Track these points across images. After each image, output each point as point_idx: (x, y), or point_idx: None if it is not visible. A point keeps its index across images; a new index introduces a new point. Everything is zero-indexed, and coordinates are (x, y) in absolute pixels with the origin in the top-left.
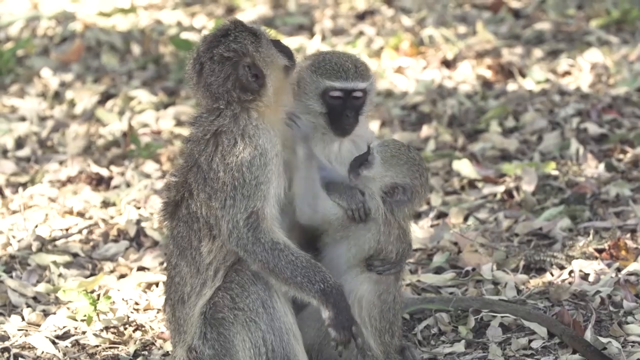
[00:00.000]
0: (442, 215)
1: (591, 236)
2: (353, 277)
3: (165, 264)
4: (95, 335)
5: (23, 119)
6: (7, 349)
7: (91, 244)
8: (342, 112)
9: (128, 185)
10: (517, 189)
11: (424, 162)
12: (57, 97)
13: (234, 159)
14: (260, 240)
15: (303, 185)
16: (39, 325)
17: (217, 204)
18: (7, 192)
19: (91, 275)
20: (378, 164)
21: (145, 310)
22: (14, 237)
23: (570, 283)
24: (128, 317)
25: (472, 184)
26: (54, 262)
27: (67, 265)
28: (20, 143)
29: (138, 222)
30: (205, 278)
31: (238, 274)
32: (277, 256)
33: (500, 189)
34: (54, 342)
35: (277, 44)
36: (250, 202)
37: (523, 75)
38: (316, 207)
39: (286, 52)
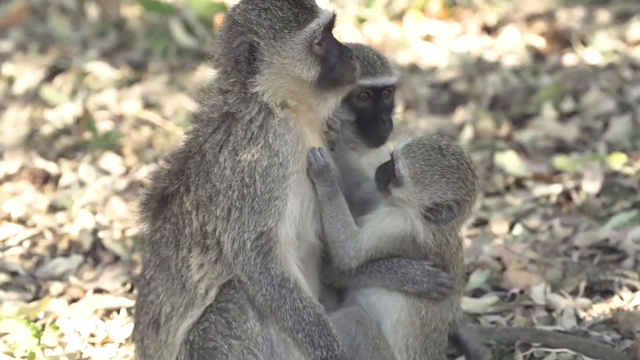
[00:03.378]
0: (481, 222)
1: None
2: (389, 298)
3: (130, 283)
4: None
5: None
6: None
7: (34, 259)
8: (375, 117)
9: (82, 184)
10: (577, 189)
11: (465, 157)
12: None
13: (247, 158)
14: (269, 271)
15: (336, 228)
16: None
17: (219, 211)
18: None
19: (34, 299)
20: (409, 182)
21: (103, 344)
22: None
23: None
24: (81, 354)
25: (519, 182)
26: None
27: (4, 286)
28: None
29: (94, 231)
30: (193, 297)
31: (237, 290)
32: (283, 296)
33: (556, 189)
34: None
35: (340, 52)
36: (261, 219)
37: (584, 44)
38: (359, 250)
39: (338, 69)
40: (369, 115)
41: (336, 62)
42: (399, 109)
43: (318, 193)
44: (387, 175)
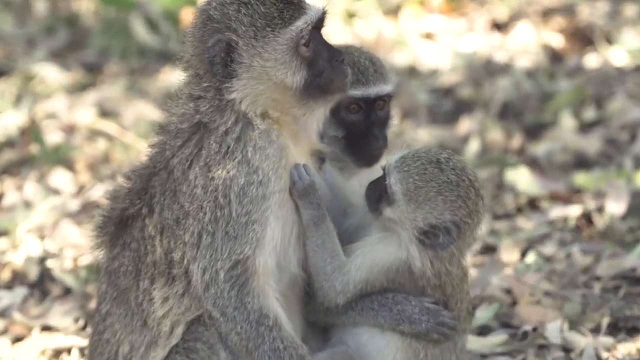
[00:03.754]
0: (488, 249)
1: None
2: (383, 339)
3: (83, 320)
4: None
5: None
6: None
7: None
8: (367, 132)
9: (27, 205)
10: (600, 210)
11: (468, 173)
12: None
13: (222, 174)
14: (245, 306)
15: (322, 258)
16: None
17: (188, 236)
18: None
19: None
20: (401, 200)
21: None
22: None
23: None
24: None
25: (533, 203)
26: None
27: None
28: None
29: (42, 260)
30: (156, 335)
31: (207, 327)
32: (260, 335)
33: (575, 210)
34: None
35: (330, 55)
36: (237, 246)
37: (609, 43)
38: (347, 284)
39: (327, 75)
40: (360, 130)
41: (325, 66)
42: (395, 121)
43: (302, 217)
44: (378, 192)
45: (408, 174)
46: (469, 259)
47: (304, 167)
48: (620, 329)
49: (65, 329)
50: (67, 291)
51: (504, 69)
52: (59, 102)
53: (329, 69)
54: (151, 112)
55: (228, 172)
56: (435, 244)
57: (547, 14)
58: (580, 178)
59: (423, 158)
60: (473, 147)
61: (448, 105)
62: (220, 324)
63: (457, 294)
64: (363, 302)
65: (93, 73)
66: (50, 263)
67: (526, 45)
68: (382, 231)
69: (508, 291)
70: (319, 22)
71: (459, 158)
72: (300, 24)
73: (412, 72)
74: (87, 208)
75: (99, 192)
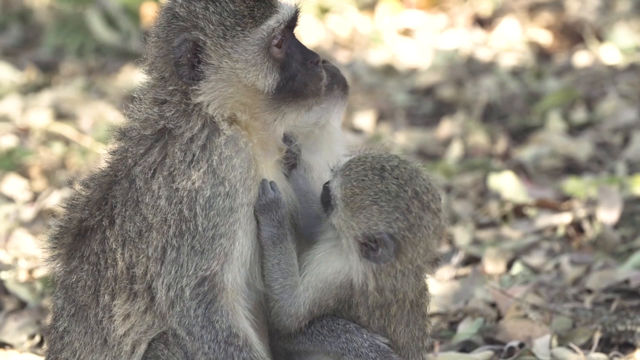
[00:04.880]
0: (471, 260)
1: None
2: None
3: (39, 336)
4: None
5: None
6: None
7: None
8: (302, 62)
9: None
10: (590, 219)
11: (415, 183)
12: None
13: (186, 185)
14: (213, 325)
15: (273, 277)
16: None
17: (152, 250)
18: None
19: None
20: (340, 206)
21: None
22: None
23: None
24: None
25: (519, 211)
26: None
27: None
28: None
29: None
30: (117, 355)
31: (170, 346)
32: (230, 356)
33: (564, 219)
34: None
35: (304, 57)
36: (203, 261)
37: (600, 40)
38: (298, 307)
39: (300, 78)
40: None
41: (298, 69)
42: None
43: (261, 234)
44: (327, 195)
45: (348, 179)
46: (453, 271)
47: (270, 183)
48: (613, 344)
49: (20, 345)
50: (22, 305)
51: (488, 67)
52: (12, 103)
53: (302, 71)
54: (110, 114)
55: (193, 183)
56: (375, 256)
57: (533, 9)
58: (570, 184)
59: (367, 163)
60: (455, 151)
61: (428, 107)
62: (186, 344)
63: (403, 317)
64: (314, 326)
65: (48, 72)
66: (3, 275)
67: (511, 42)
68: (333, 240)
69: (493, 305)
70: (292, 22)
71: (411, 167)
72: (272, 23)
73: (389, 71)
74: (43, 217)
75: (55, 200)
